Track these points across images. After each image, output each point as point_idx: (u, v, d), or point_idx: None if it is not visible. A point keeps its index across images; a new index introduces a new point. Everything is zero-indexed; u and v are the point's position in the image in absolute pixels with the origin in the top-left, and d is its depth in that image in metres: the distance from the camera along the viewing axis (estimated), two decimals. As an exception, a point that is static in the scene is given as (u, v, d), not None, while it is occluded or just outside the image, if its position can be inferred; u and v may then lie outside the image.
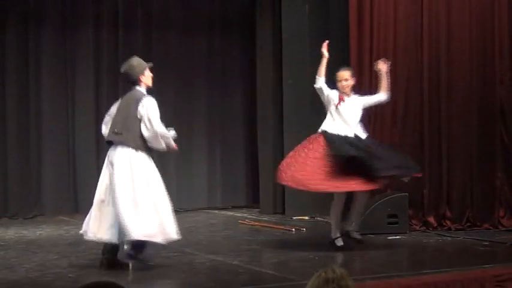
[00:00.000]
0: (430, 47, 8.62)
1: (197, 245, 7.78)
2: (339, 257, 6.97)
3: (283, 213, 10.43)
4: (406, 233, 8.16)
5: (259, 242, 8.06)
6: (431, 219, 8.52)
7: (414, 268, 6.56)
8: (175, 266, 6.58)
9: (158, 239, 6.29)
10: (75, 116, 10.78)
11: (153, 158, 6.58)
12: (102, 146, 10.82)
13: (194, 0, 11.51)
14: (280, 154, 10.57)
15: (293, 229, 8.77)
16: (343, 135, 7.28)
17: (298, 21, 10.18)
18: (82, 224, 6.68)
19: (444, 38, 8.59)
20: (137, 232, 6.19)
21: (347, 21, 9.00)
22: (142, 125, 6.38)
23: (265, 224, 9.46)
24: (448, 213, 8.56)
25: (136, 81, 6.51)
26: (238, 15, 11.87)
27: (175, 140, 6.60)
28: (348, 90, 7.39)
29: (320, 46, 9.92)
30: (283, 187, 10.48)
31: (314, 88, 9.97)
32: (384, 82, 7.41)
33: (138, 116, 6.37)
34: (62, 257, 6.99)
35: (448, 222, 8.52)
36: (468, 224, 8.50)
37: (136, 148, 6.36)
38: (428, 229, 8.43)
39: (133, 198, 6.25)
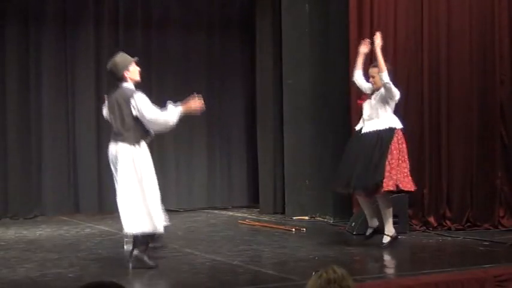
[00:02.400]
0: (430, 47, 8.62)
1: (197, 245, 7.79)
2: (339, 256, 6.96)
3: (283, 213, 10.43)
4: (406, 233, 8.16)
5: (259, 242, 8.06)
6: (431, 219, 8.52)
7: (414, 268, 6.56)
8: (175, 266, 6.58)
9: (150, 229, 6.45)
10: (76, 116, 10.78)
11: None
12: (103, 146, 10.84)
13: (194, 0, 11.52)
14: (280, 154, 10.59)
15: (293, 229, 8.76)
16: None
17: (298, 21, 10.18)
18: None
19: (444, 38, 8.59)
20: (134, 227, 6.35)
21: (347, 21, 9.00)
22: (142, 120, 6.43)
23: (265, 224, 9.46)
24: (448, 213, 8.56)
25: (121, 78, 6.48)
26: (238, 15, 11.87)
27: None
28: (376, 86, 7.39)
29: (320, 46, 9.99)
30: (283, 187, 10.50)
31: (313, 88, 10.05)
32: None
33: (134, 115, 6.39)
34: (62, 257, 6.99)
35: (448, 222, 8.53)
36: (468, 224, 8.51)
37: (136, 144, 6.39)
38: (428, 229, 8.43)
39: (139, 194, 6.35)
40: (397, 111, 7.53)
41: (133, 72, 6.53)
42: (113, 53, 10.81)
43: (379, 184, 7.09)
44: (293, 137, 10.29)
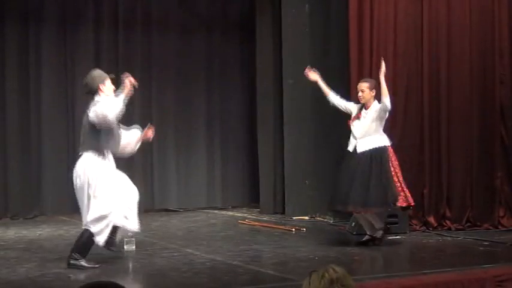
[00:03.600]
0: (430, 47, 8.62)
1: (197, 245, 7.78)
2: (339, 256, 6.96)
3: (283, 213, 10.43)
4: (406, 233, 8.16)
5: (259, 242, 8.06)
6: (431, 219, 8.52)
7: (414, 268, 6.56)
8: (175, 266, 6.58)
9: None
10: (75, 116, 10.76)
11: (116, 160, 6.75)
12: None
13: (194, 0, 11.51)
14: (280, 154, 10.59)
15: (293, 229, 8.76)
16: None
17: (298, 21, 10.18)
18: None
19: (444, 38, 8.60)
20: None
21: (347, 21, 8.99)
22: (94, 121, 6.51)
23: (265, 224, 9.46)
24: (448, 213, 8.56)
25: (96, 90, 6.63)
26: (238, 15, 11.87)
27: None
28: (364, 101, 7.41)
29: (320, 46, 9.99)
30: (283, 187, 10.51)
31: (313, 88, 10.03)
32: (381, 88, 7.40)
33: (90, 124, 6.53)
34: (62, 257, 6.97)
35: (448, 222, 8.53)
36: (468, 224, 8.51)
37: (95, 152, 6.51)
38: (428, 229, 8.44)
39: (86, 200, 6.45)
40: (393, 117, 7.69)
41: (108, 87, 6.69)
42: (112, 53, 10.98)
43: (396, 201, 7.26)
44: (293, 137, 10.29)
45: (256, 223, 9.59)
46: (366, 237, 7.51)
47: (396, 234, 7.98)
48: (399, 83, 8.62)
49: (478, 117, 8.55)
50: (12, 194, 10.38)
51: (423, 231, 8.37)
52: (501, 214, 8.50)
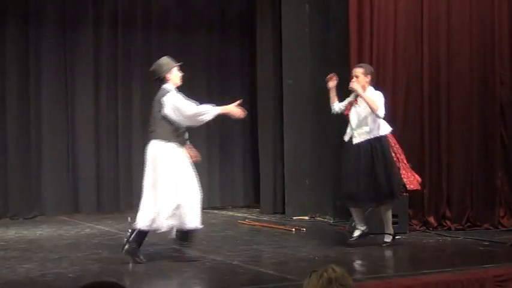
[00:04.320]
0: (430, 47, 8.62)
1: (197, 245, 7.77)
2: (339, 256, 6.96)
3: (283, 213, 10.43)
4: (406, 233, 8.16)
5: (259, 242, 8.06)
6: (431, 219, 8.52)
7: (414, 268, 6.56)
8: (175, 266, 6.58)
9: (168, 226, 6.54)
10: (75, 116, 10.78)
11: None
12: (102, 146, 10.88)
13: (194, 1, 11.51)
14: (280, 154, 10.59)
15: (293, 229, 8.76)
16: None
17: (298, 21, 10.18)
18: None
19: (444, 38, 8.60)
20: (143, 222, 6.52)
21: (347, 21, 8.99)
22: (173, 118, 6.59)
23: (265, 224, 9.46)
24: (448, 213, 8.57)
25: (163, 79, 6.72)
26: (238, 15, 11.87)
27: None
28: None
29: (320, 46, 10.00)
30: (283, 187, 10.51)
31: (313, 88, 10.04)
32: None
33: (163, 115, 6.59)
34: (62, 257, 6.99)
35: (448, 222, 8.53)
36: (468, 224, 8.52)
37: (166, 140, 6.63)
38: (428, 229, 8.44)
39: (154, 188, 6.52)
40: (392, 117, 7.71)
41: (175, 75, 6.77)
42: (112, 53, 10.97)
43: (402, 190, 7.31)
44: (293, 137, 10.29)
45: (256, 223, 9.59)
46: (357, 233, 7.48)
47: (396, 234, 7.96)
48: (399, 83, 8.62)
49: (478, 117, 8.55)
50: (12, 194, 10.38)
51: (423, 231, 8.37)
52: (501, 214, 8.50)
